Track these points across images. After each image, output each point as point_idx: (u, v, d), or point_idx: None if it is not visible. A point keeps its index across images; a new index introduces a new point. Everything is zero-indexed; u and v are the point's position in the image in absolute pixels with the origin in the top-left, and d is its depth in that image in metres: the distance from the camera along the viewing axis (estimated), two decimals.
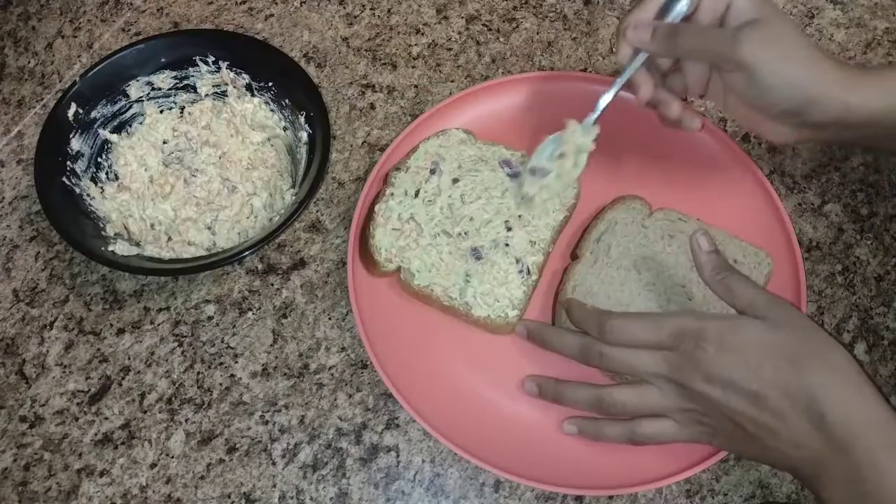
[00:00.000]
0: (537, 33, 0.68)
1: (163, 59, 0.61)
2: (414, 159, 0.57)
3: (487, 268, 0.54)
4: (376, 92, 0.65)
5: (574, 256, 0.56)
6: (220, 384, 0.54)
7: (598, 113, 0.53)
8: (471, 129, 0.60)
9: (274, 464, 0.52)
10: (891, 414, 0.40)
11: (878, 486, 0.39)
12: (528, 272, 0.54)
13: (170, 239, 0.58)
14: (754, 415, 0.42)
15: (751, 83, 0.46)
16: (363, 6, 0.69)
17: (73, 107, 0.58)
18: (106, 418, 0.53)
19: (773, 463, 0.45)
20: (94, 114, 0.60)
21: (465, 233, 0.55)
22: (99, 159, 0.60)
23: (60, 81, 0.67)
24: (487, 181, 0.57)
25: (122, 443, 0.52)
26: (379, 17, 0.69)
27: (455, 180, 0.57)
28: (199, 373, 0.54)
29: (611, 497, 0.50)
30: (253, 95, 0.63)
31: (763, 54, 0.45)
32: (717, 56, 0.47)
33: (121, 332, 0.56)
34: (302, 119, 0.60)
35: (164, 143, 0.63)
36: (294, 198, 0.58)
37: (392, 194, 0.56)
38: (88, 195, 0.58)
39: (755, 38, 0.45)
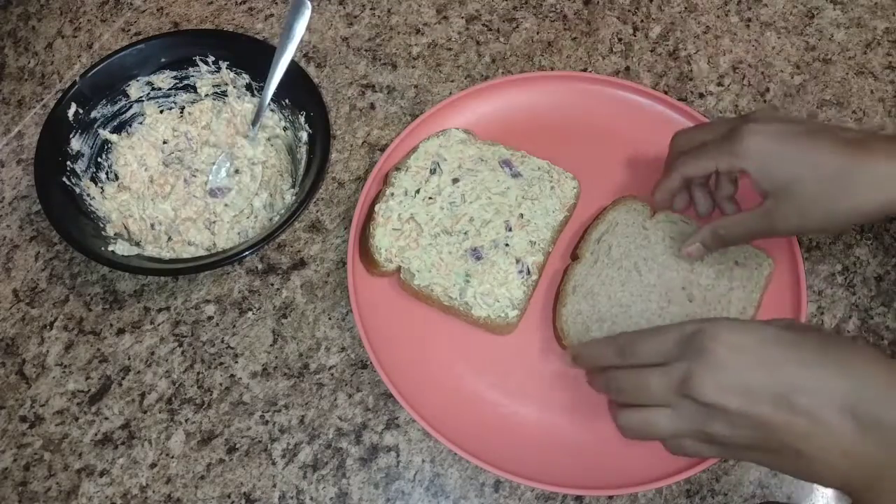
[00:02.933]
0: (537, 33, 0.68)
1: (163, 59, 0.61)
2: (414, 159, 0.57)
3: (487, 268, 0.54)
4: (376, 92, 0.65)
5: (574, 257, 0.56)
6: (220, 384, 0.54)
7: (259, 123, 0.59)
8: (471, 129, 0.60)
9: (274, 464, 0.52)
10: None
11: None
12: (529, 272, 0.54)
13: (170, 239, 0.58)
14: (783, 421, 0.37)
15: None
16: (363, 6, 0.69)
17: (73, 107, 0.58)
18: (106, 418, 0.53)
19: (819, 478, 0.38)
20: (94, 114, 0.60)
21: (465, 233, 0.55)
22: (99, 159, 0.60)
23: (60, 81, 0.67)
24: (487, 181, 0.57)
25: (122, 443, 0.52)
26: (379, 17, 0.69)
27: (455, 180, 0.57)
28: (199, 373, 0.54)
29: (610, 497, 0.50)
30: (253, 95, 0.63)
31: (799, 221, 0.46)
32: (762, 235, 0.49)
33: (121, 332, 0.56)
34: (302, 119, 0.60)
35: (164, 143, 0.63)
36: (294, 198, 0.58)
37: (392, 194, 0.56)
38: (88, 195, 0.58)
39: (789, 215, 0.46)
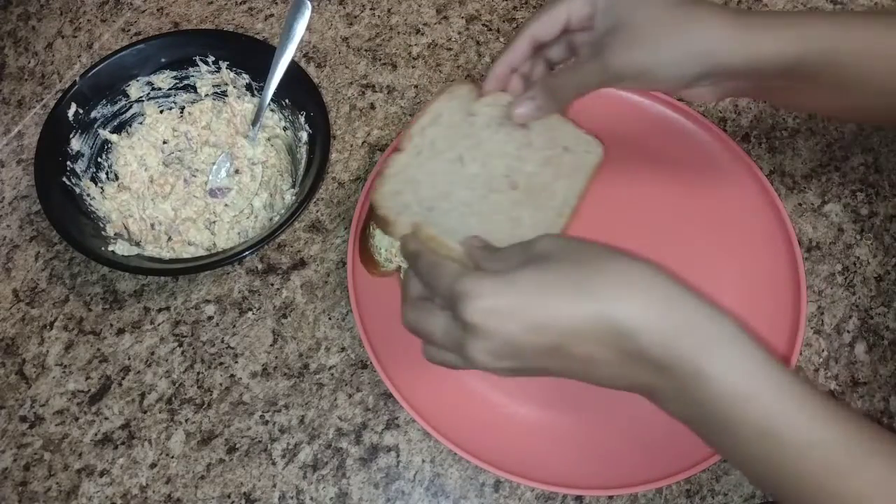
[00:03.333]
0: None
1: (163, 59, 0.61)
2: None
3: None
4: (376, 92, 0.65)
5: (395, 150, 0.52)
6: (220, 384, 0.54)
7: (259, 124, 0.59)
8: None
9: (274, 464, 0.52)
10: (709, 307, 0.37)
11: (706, 395, 0.36)
12: None
13: (170, 239, 0.58)
14: (562, 366, 0.38)
15: (641, 81, 0.45)
16: (363, 6, 0.69)
17: (73, 107, 0.58)
18: (106, 418, 0.53)
19: (605, 386, 0.40)
20: (94, 114, 0.60)
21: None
22: (99, 159, 0.60)
23: (60, 81, 0.67)
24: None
25: (122, 443, 0.52)
26: (379, 17, 0.69)
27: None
28: (199, 373, 0.55)
29: (610, 497, 0.50)
30: (253, 95, 0.63)
31: (636, 57, 0.44)
32: (600, 84, 0.47)
33: (121, 332, 0.56)
34: (302, 119, 0.60)
35: (164, 143, 0.63)
36: (294, 198, 0.58)
37: None
38: (88, 195, 0.58)
39: (619, 49, 0.44)
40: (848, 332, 0.56)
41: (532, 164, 0.51)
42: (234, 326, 0.56)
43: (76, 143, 0.59)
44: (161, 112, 0.63)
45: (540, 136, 0.51)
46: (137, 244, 0.58)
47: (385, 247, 0.53)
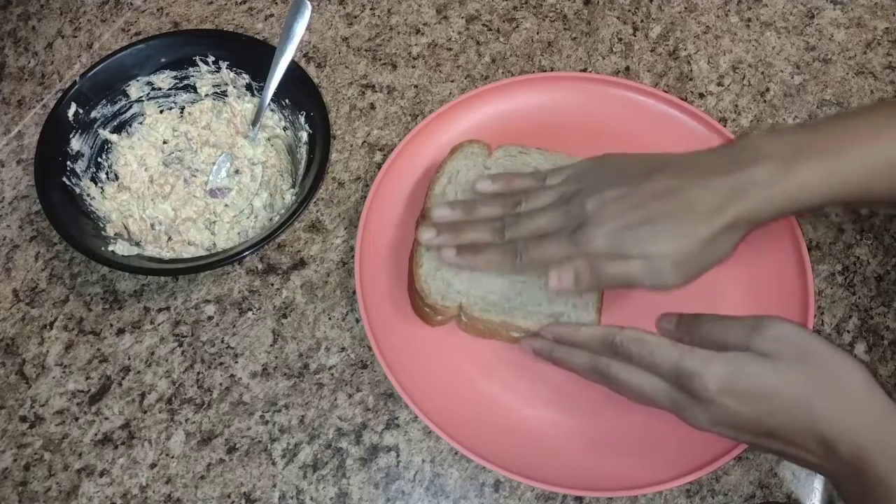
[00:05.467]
0: (537, 33, 0.68)
1: (163, 59, 0.61)
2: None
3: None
4: (376, 92, 0.65)
5: (423, 216, 0.54)
6: (220, 384, 0.54)
7: (259, 124, 0.60)
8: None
9: (274, 464, 0.52)
10: None
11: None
12: None
13: (170, 239, 0.58)
14: (764, 444, 0.43)
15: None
16: (363, 6, 0.69)
17: (73, 107, 0.58)
18: (106, 418, 0.53)
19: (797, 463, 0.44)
20: (94, 114, 0.60)
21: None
22: (99, 159, 0.60)
23: (60, 81, 0.67)
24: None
25: (122, 443, 0.52)
26: (379, 17, 0.69)
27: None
28: (199, 373, 0.55)
29: (610, 498, 0.50)
30: (253, 95, 0.63)
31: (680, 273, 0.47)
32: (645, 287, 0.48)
33: (121, 332, 0.56)
34: (302, 119, 0.60)
35: (164, 143, 0.63)
36: (294, 198, 0.58)
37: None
38: (88, 195, 0.58)
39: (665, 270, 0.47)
40: (848, 332, 0.56)
41: None
42: (234, 326, 0.56)
43: (76, 143, 0.59)
44: (161, 112, 0.63)
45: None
46: (137, 244, 0.58)
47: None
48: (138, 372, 0.55)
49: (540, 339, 0.50)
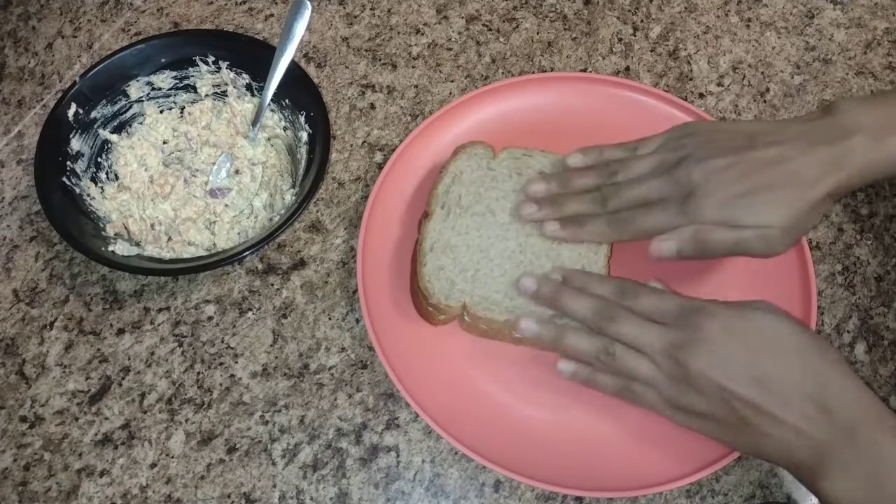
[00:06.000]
0: (537, 33, 0.68)
1: (163, 59, 0.61)
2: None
3: None
4: (376, 92, 0.65)
5: (425, 215, 0.55)
6: (220, 384, 0.54)
7: (259, 124, 0.60)
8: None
9: (274, 464, 0.52)
10: (884, 406, 0.42)
11: (880, 471, 0.40)
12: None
13: (170, 239, 0.58)
14: (758, 401, 0.42)
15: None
16: (363, 6, 0.69)
17: (73, 107, 0.58)
18: (106, 418, 0.53)
19: (767, 454, 0.44)
20: (94, 114, 0.60)
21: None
22: (99, 159, 0.60)
23: (60, 81, 0.67)
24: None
25: (122, 443, 0.52)
26: (379, 17, 0.69)
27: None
28: (199, 373, 0.55)
29: (610, 499, 0.50)
30: (253, 95, 0.63)
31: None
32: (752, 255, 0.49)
33: (121, 332, 0.56)
34: (302, 119, 0.60)
35: (164, 143, 0.63)
36: (294, 198, 0.58)
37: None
38: (88, 195, 0.58)
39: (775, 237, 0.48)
40: (848, 332, 0.56)
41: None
42: (234, 326, 0.56)
43: (76, 143, 0.59)
44: (161, 112, 0.63)
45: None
46: (137, 244, 0.58)
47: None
48: (138, 372, 0.55)
49: (547, 280, 0.51)
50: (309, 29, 0.67)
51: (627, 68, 0.66)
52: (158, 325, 0.56)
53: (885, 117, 0.47)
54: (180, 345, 0.55)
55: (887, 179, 0.59)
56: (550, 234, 0.52)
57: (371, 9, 0.69)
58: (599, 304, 0.48)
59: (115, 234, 0.57)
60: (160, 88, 0.62)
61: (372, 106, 0.64)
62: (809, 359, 0.43)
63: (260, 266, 0.58)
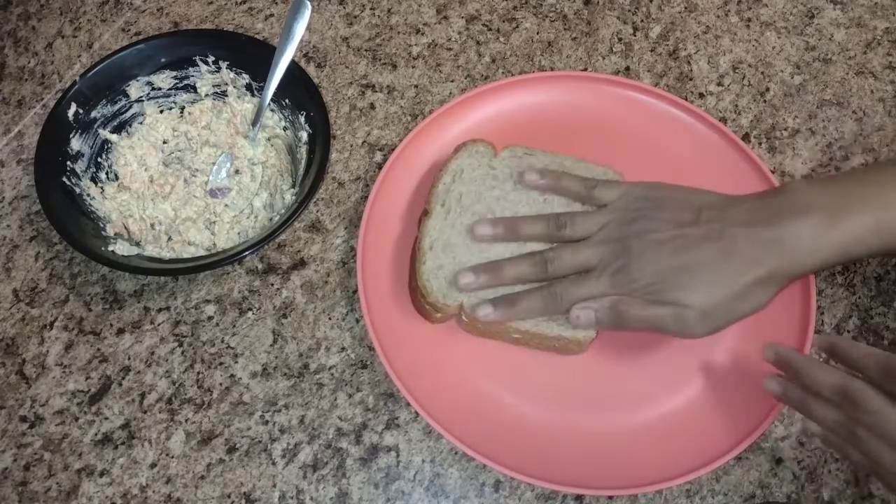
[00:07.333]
0: (537, 33, 0.68)
1: (163, 59, 0.61)
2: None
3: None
4: (376, 92, 0.65)
5: (425, 213, 0.55)
6: (220, 384, 0.54)
7: (259, 124, 0.60)
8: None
9: (274, 464, 0.52)
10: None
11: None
12: None
13: (170, 239, 0.58)
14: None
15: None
16: (363, 6, 0.69)
17: (73, 107, 0.58)
18: (106, 418, 0.53)
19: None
20: (94, 114, 0.60)
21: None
22: (99, 159, 0.60)
23: (60, 81, 0.67)
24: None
25: (122, 443, 0.52)
26: (379, 17, 0.69)
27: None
28: (199, 373, 0.55)
29: (611, 497, 0.50)
30: (253, 95, 0.63)
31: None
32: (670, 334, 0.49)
33: (121, 332, 0.56)
34: (302, 119, 0.60)
35: (164, 143, 0.63)
36: (294, 198, 0.58)
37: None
38: (88, 195, 0.58)
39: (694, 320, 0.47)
40: (848, 332, 0.56)
41: (559, 205, 0.54)
42: (234, 326, 0.56)
43: (76, 143, 0.59)
44: (161, 112, 0.63)
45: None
46: (137, 244, 0.58)
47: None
48: (138, 372, 0.55)
49: (787, 349, 0.46)
50: (309, 29, 0.67)
51: (627, 68, 0.66)
52: (158, 324, 0.56)
53: (839, 198, 0.45)
54: (180, 345, 0.55)
55: (849, 262, 0.56)
56: (483, 318, 0.50)
57: (371, 9, 0.69)
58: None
59: (115, 234, 0.57)
60: (160, 88, 0.62)
61: (372, 106, 0.64)
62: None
63: (260, 266, 0.58)
